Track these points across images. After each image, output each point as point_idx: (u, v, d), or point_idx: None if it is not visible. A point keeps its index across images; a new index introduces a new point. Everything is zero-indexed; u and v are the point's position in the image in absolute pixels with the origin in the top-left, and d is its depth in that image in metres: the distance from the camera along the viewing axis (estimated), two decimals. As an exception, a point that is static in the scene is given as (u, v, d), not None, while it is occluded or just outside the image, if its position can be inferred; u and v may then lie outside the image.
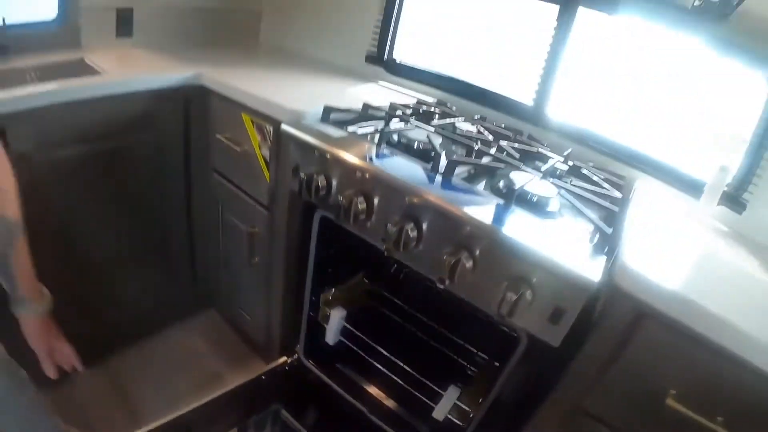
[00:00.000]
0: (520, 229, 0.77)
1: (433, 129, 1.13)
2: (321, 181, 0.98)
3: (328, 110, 1.15)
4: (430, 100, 1.57)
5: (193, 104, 1.49)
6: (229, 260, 1.61)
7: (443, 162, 0.91)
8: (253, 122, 1.30)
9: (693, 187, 1.18)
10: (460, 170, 0.96)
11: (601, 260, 0.74)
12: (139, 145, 1.42)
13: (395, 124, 1.16)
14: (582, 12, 1.33)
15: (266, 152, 1.27)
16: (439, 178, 0.90)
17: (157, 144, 1.46)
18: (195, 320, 1.85)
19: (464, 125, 1.30)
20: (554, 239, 0.77)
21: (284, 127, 1.08)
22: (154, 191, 1.52)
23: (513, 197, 0.84)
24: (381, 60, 1.78)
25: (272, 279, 1.38)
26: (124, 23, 1.93)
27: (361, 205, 0.90)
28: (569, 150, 1.27)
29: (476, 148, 1.04)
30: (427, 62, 1.70)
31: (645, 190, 1.20)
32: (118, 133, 1.35)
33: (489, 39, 1.57)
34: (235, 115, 1.35)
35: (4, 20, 1.40)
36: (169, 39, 2.04)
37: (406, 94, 1.64)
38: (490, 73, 1.55)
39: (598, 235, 0.79)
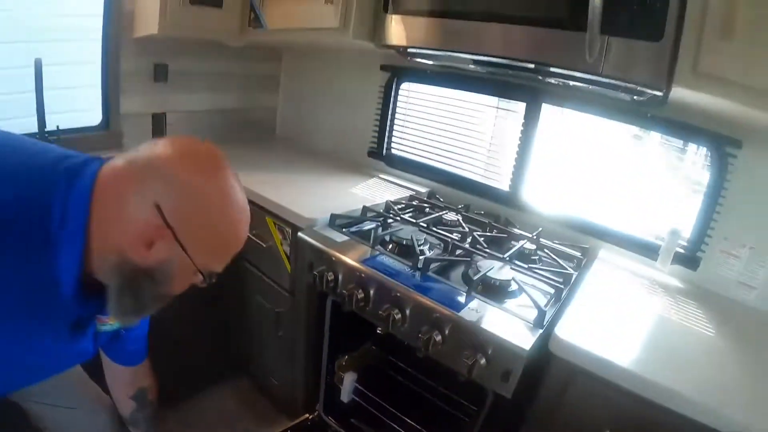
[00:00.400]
0: (476, 312, 1.05)
1: (418, 228, 1.43)
2: (329, 276, 1.28)
3: (334, 217, 1.46)
4: (423, 190, 1.89)
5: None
6: (259, 333, 1.89)
7: (421, 261, 1.20)
8: (275, 224, 1.61)
9: (650, 251, 1.44)
10: (436, 264, 1.25)
11: (536, 332, 1.01)
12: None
13: (387, 225, 1.46)
14: (545, 108, 1.63)
15: (287, 248, 1.58)
16: (417, 273, 1.19)
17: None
18: (228, 385, 2.11)
19: (449, 216, 1.60)
20: (504, 317, 1.05)
21: (300, 234, 1.39)
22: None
23: (474, 285, 1.12)
24: (380, 155, 2.11)
25: (295, 349, 1.65)
26: (157, 126, 2.30)
27: (360, 295, 1.19)
28: (540, 229, 1.54)
29: (451, 243, 1.34)
30: (420, 155, 2.01)
31: (607, 258, 1.47)
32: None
33: (468, 132, 1.87)
34: (260, 217, 1.67)
35: (58, 126, 1.72)
36: (197, 137, 2.40)
37: (403, 186, 1.95)
38: (472, 163, 1.85)
39: (536, 312, 1.06)
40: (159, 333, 1.80)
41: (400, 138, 2.08)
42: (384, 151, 2.11)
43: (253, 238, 1.70)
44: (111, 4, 1.98)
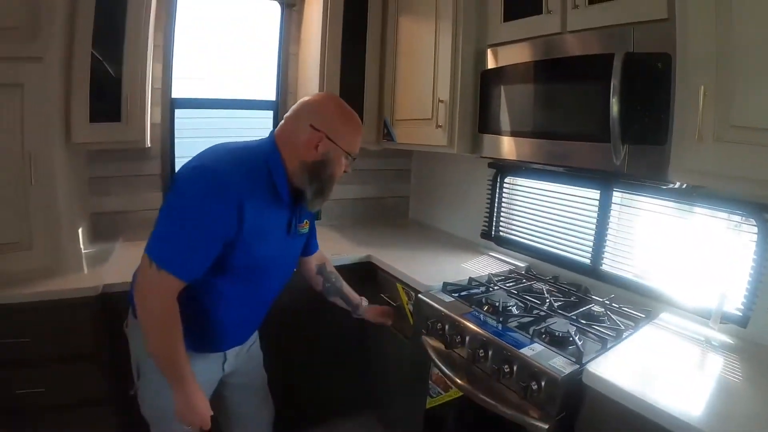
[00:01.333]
0: (533, 351, 1.53)
1: (509, 294, 1.94)
2: (439, 326, 1.84)
3: (445, 285, 2.03)
4: (522, 265, 2.39)
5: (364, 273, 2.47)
6: (387, 375, 2.45)
7: (503, 317, 1.71)
8: (403, 289, 2.21)
9: (705, 312, 1.73)
10: (515, 320, 1.74)
11: (574, 366, 1.45)
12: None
13: (487, 291, 2.00)
14: (616, 193, 2.08)
15: (411, 306, 2.16)
16: (500, 325, 1.70)
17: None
18: (355, 417, 2.65)
19: (538, 285, 2.09)
20: (554, 356, 1.51)
21: (420, 296, 1.98)
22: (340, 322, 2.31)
23: (538, 333, 1.61)
24: (490, 236, 2.65)
25: (415, 386, 2.18)
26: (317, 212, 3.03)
27: (458, 339, 1.74)
28: (612, 296, 1.96)
29: (530, 305, 1.84)
30: (521, 235, 2.52)
31: (665, 319, 1.80)
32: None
33: (559, 214, 2.34)
34: (391, 283, 2.28)
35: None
36: (345, 219, 3.16)
37: (507, 261, 2.46)
38: (562, 241, 2.32)
39: (577, 351, 1.51)
40: (305, 362, 2.42)
41: (506, 221, 2.62)
42: (493, 232, 2.66)
43: (385, 297, 2.30)
44: (277, 120, 2.80)
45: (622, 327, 1.72)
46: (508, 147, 2.03)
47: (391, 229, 3.14)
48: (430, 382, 1.98)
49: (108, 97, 2.09)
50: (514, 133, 1.99)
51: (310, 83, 2.77)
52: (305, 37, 2.92)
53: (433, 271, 2.25)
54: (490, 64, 2.12)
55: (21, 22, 1.77)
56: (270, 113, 3.01)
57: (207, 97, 2.87)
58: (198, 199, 1.27)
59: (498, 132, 2.06)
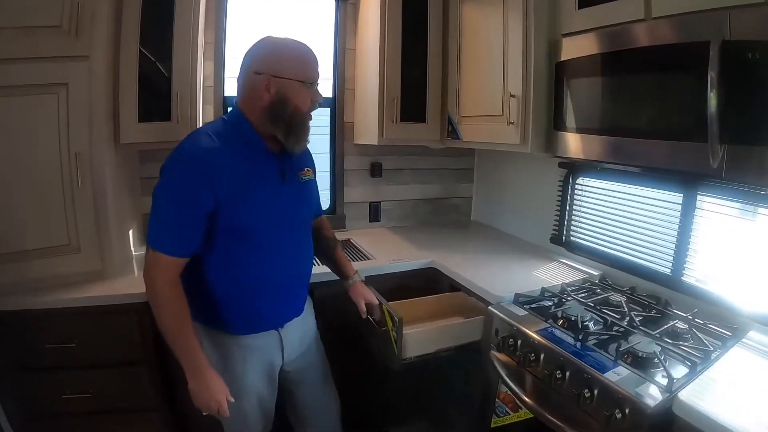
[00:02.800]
0: (618, 375, 1.45)
1: (585, 307, 1.86)
2: (511, 341, 1.78)
3: (517, 296, 1.97)
4: (596, 273, 2.28)
5: (431, 278, 2.41)
6: (446, 387, 2.39)
7: (582, 334, 1.63)
8: (388, 312, 1.88)
9: None
10: (594, 338, 1.66)
11: (664, 395, 1.37)
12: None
13: (561, 303, 1.91)
14: (702, 197, 1.91)
15: (395, 333, 1.87)
16: (578, 344, 1.62)
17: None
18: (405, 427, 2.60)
19: (614, 297, 1.98)
20: (641, 382, 1.42)
21: (490, 308, 1.93)
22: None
23: (621, 355, 1.52)
24: (560, 241, 2.55)
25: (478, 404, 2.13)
26: (374, 212, 3.03)
27: (532, 357, 1.67)
28: (695, 310, 1.83)
29: (610, 320, 1.74)
30: (595, 241, 2.40)
31: (754, 338, 1.67)
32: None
33: (636, 220, 2.20)
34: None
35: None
36: (405, 221, 3.12)
37: (579, 269, 2.35)
38: (639, 248, 2.19)
39: (667, 380, 1.42)
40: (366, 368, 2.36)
41: (578, 225, 2.51)
42: (563, 238, 2.55)
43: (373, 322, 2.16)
44: (335, 118, 2.91)
45: (710, 347, 1.60)
46: (585, 145, 1.92)
47: (454, 232, 3.08)
48: (497, 400, 1.92)
49: (158, 95, 2.11)
50: (593, 131, 1.87)
51: (369, 79, 2.73)
52: (362, 31, 2.88)
53: (502, 279, 2.19)
54: (565, 55, 2.00)
55: (65, 19, 1.78)
56: (327, 111, 2.98)
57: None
58: (174, 178, 1.42)
59: (575, 129, 1.96)
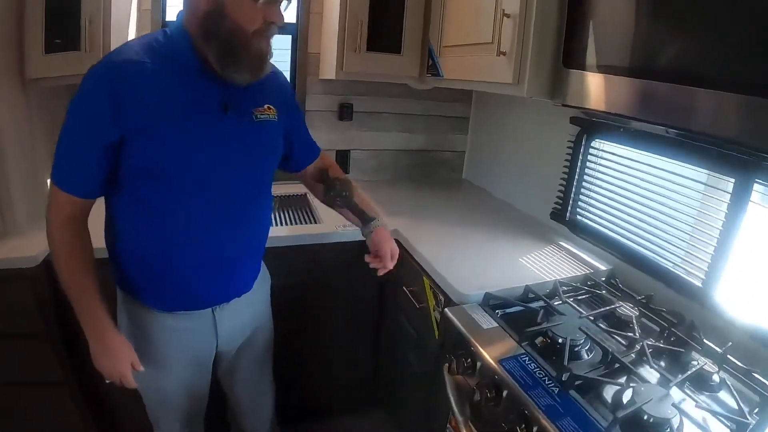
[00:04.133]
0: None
1: (579, 325, 1.33)
2: (467, 362, 1.28)
3: (488, 297, 1.45)
4: (603, 268, 1.76)
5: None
6: (405, 380, 1.96)
7: (565, 376, 1.12)
8: (431, 287, 1.64)
9: None
10: (581, 379, 1.13)
11: None
12: (341, 281, 1.98)
13: (547, 313, 1.40)
14: (758, 188, 1.35)
15: (437, 315, 1.60)
16: (557, 389, 1.11)
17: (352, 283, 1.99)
18: (367, 416, 2.32)
19: (624, 310, 1.46)
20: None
21: (447, 311, 1.42)
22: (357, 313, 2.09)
23: (619, 421, 1.00)
24: (563, 218, 2.02)
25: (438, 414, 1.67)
26: (342, 162, 2.57)
27: (491, 394, 1.17)
28: (729, 344, 1.30)
29: (611, 354, 1.22)
30: (607, 225, 1.85)
31: None
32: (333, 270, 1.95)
33: (664, 207, 1.64)
34: (418, 275, 1.72)
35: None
36: (379, 175, 2.65)
37: (582, 259, 1.83)
38: (664, 245, 1.64)
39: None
40: (318, 352, 2.05)
41: (587, 201, 1.95)
42: (567, 215, 2.01)
43: (408, 294, 1.76)
44: (297, 46, 2.39)
45: (748, 419, 1.06)
46: (609, 92, 1.34)
47: (436, 194, 2.53)
48: (448, 425, 1.45)
49: (66, 21, 1.73)
50: (623, 71, 1.27)
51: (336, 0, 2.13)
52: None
53: (476, 266, 1.67)
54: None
55: None
56: (289, 38, 2.43)
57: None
58: (74, 101, 1.14)
59: (595, 67, 1.36)
